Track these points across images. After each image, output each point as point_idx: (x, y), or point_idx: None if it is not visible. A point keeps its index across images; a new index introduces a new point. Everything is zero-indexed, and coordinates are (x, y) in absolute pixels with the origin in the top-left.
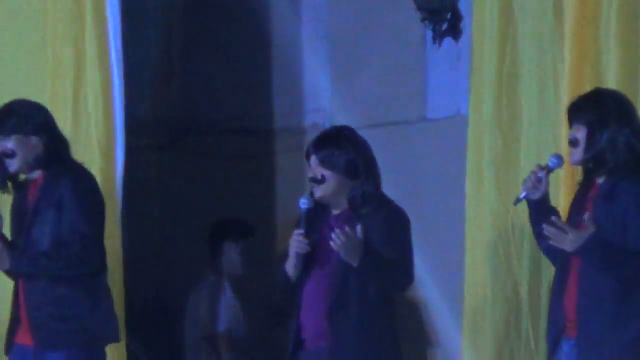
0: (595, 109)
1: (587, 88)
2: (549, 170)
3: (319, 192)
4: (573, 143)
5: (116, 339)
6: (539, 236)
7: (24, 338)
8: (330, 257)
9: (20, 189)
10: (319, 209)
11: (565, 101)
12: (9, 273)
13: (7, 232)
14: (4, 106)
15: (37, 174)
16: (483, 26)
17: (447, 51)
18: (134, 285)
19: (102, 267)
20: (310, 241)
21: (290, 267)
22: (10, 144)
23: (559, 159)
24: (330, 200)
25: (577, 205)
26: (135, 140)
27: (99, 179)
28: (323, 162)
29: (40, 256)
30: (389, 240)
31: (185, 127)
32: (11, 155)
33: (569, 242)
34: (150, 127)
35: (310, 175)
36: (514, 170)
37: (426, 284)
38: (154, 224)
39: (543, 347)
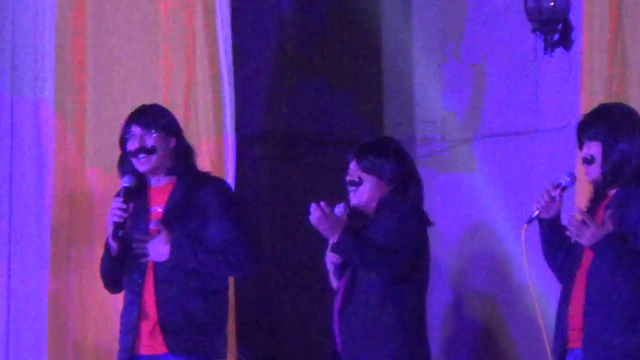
0: (606, 124)
1: None
2: (562, 188)
3: (355, 197)
4: (589, 160)
5: (225, 355)
6: (549, 255)
7: (145, 348)
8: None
9: (136, 194)
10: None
11: None
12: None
13: None
14: (144, 105)
15: (166, 180)
16: (593, 36)
17: (558, 62)
18: (245, 296)
19: (253, 272)
20: None
21: (333, 280)
22: (151, 140)
23: (572, 176)
24: (367, 207)
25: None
26: (246, 151)
27: None
28: (362, 167)
29: (200, 250)
30: (392, 227)
31: (296, 138)
32: (150, 150)
33: (589, 235)
34: (261, 139)
35: (348, 178)
36: None
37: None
38: (265, 234)
39: None
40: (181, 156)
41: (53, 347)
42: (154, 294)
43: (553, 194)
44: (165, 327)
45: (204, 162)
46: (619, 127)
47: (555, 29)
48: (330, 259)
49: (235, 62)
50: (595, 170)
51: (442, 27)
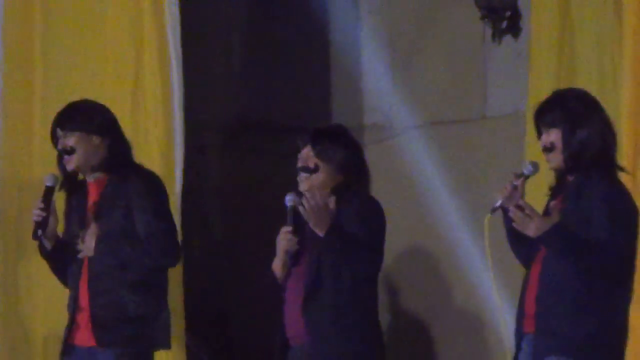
0: (563, 110)
1: None
2: (524, 177)
3: (307, 182)
4: (549, 148)
5: (168, 345)
6: (514, 244)
7: (81, 339)
8: (310, 254)
9: (77, 189)
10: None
11: (625, 100)
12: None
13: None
14: (69, 104)
15: (98, 176)
16: (541, 24)
17: (507, 49)
18: (194, 284)
19: (174, 265)
20: (299, 238)
21: (278, 265)
22: (71, 140)
23: (535, 165)
24: None
25: (550, 207)
26: (194, 139)
27: None
28: (318, 154)
29: (123, 244)
30: (357, 221)
31: (244, 125)
32: (70, 151)
33: (533, 227)
34: (209, 126)
35: (301, 164)
36: None
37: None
38: (214, 223)
39: None
40: (111, 153)
41: (2, 337)
42: (88, 287)
43: (516, 183)
44: (96, 320)
45: (152, 151)
46: (576, 112)
47: (504, 16)
48: (285, 246)
49: (184, 49)
50: (557, 157)
51: (391, 14)
